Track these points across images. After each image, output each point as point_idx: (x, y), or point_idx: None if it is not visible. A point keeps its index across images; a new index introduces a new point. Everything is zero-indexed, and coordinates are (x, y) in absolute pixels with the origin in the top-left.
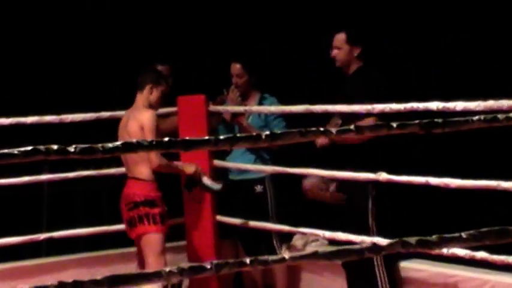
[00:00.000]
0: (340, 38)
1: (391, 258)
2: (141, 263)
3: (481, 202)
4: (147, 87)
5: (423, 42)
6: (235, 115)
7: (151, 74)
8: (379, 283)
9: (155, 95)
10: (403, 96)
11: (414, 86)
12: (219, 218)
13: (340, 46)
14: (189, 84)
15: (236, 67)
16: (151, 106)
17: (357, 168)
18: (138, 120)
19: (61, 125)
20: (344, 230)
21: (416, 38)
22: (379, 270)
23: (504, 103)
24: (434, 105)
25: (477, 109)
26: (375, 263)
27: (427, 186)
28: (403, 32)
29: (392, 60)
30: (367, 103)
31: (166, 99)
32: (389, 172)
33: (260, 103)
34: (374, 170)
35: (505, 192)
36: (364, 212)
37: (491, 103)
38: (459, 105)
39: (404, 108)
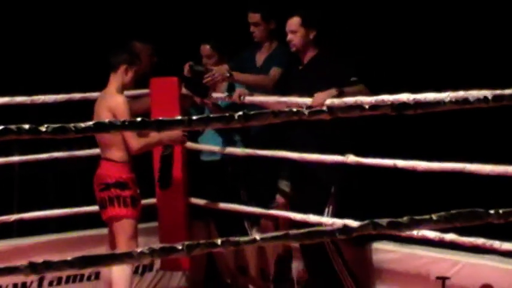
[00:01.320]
0: (295, 21)
1: (347, 242)
2: (113, 245)
3: (449, 185)
4: (122, 68)
5: (388, 30)
6: (203, 93)
7: (125, 54)
8: (336, 267)
9: (130, 75)
10: (370, 87)
11: (380, 76)
12: (191, 200)
13: (295, 30)
14: (160, 65)
15: (206, 48)
16: (125, 87)
17: (324, 149)
18: (110, 108)
19: (32, 106)
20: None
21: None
22: (333, 256)
23: (474, 93)
24: (404, 96)
25: (446, 100)
26: (328, 249)
27: (395, 169)
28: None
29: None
30: (336, 87)
31: (141, 80)
32: (357, 154)
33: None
34: (341, 152)
35: (471, 174)
36: (326, 194)
37: (461, 94)
38: (429, 96)
39: (375, 101)
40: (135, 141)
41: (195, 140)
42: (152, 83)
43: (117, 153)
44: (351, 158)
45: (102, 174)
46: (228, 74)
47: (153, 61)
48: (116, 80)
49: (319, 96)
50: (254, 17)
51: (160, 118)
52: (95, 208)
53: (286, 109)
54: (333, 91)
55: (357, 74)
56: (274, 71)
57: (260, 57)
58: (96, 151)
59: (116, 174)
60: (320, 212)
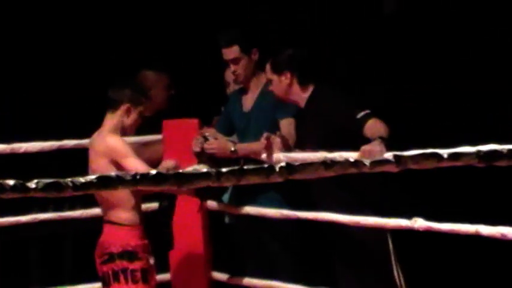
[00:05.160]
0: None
1: None
2: None
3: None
4: (123, 107)
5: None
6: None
7: (129, 88)
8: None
9: (132, 118)
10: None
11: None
12: (214, 275)
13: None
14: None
15: (231, 51)
16: (124, 132)
17: (358, 206)
18: (105, 152)
19: (13, 156)
20: None
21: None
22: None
23: None
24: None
25: None
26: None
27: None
28: None
29: None
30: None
31: (153, 120)
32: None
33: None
34: (376, 209)
35: None
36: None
37: None
38: None
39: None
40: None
41: (219, 199)
42: (165, 126)
43: (123, 214)
44: (420, 223)
45: (105, 241)
46: (233, 149)
47: (170, 95)
48: (112, 121)
49: (373, 148)
50: (231, 52)
51: (181, 170)
52: (94, 287)
53: (341, 159)
54: (379, 142)
55: (361, 105)
56: (287, 125)
57: (247, 100)
58: (95, 211)
59: (122, 241)
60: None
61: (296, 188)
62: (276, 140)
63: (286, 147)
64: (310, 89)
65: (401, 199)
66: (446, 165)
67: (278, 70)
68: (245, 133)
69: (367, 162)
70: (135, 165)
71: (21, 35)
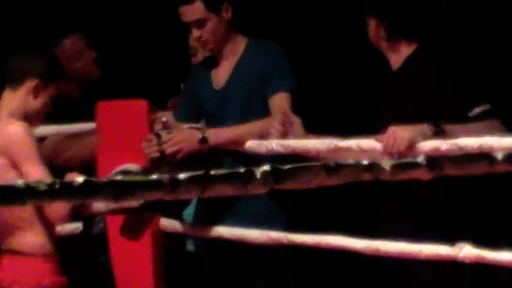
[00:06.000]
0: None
1: None
2: None
3: None
4: (28, 84)
5: None
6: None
7: (40, 60)
8: None
9: (41, 100)
10: None
11: None
12: None
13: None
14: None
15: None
16: (29, 118)
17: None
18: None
19: None
20: None
21: None
22: None
23: None
24: None
25: None
26: None
27: None
28: None
29: None
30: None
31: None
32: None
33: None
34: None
35: None
36: None
37: None
38: None
39: None
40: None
41: (178, 215)
42: (101, 111)
43: (30, 239)
44: (467, 251)
45: (6, 280)
46: (201, 136)
47: (98, 68)
48: (13, 102)
49: (397, 133)
50: (193, 11)
51: (120, 178)
52: None
53: (351, 161)
54: (424, 128)
55: (486, 98)
56: (281, 101)
57: (220, 73)
58: None
59: (30, 279)
60: None
61: (295, 195)
62: (296, 120)
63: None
64: (407, 47)
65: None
66: (501, 171)
67: (367, 10)
68: (218, 117)
69: (387, 165)
70: (40, 175)
71: None
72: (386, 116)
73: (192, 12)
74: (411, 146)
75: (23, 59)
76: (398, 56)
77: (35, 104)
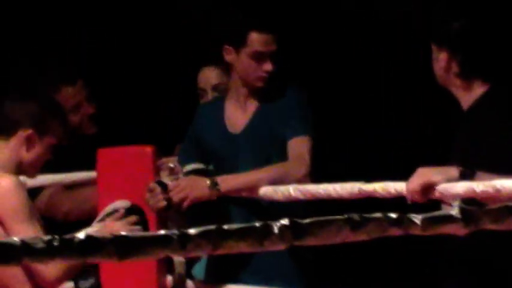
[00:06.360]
0: None
1: None
2: None
3: None
4: (21, 133)
5: None
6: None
7: (34, 106)
8: None
9: (36, 151)
10: None
11: None
12: None
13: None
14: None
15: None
16: (23, 170)
17: None
18: None
19: None
20: None
21: None
22: None
23: None
24: None
25: None
26: None
27: None
28: None
29: None
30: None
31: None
32: None
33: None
34: None
35: None
36: None
37: None
38: None
39: None
40: (52, 267)
41: (187, 273)
42: (102, 158)
43: None
44: None
45: None
46: (208, 182)
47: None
48: (4, 153)
49: (420, 175)
50: (272, 41)
51: (125, 234)
52: None
53: (377, 215)
54: (451, 170)
55: None
56: (302, 145)
57: (239, 115)
58: None
59: None
60: None
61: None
62: None
63: None
64: (481, 87)
65: None
66: None
67: (436, 41)
68: (233, 162)
69: (417, 219)
70: (28, 234)
71: None
72: (453, 156)
73: (275, 41)
74: (427, 189)
75: (16, 105)
76: (469, 94)
77: (28, 156)
